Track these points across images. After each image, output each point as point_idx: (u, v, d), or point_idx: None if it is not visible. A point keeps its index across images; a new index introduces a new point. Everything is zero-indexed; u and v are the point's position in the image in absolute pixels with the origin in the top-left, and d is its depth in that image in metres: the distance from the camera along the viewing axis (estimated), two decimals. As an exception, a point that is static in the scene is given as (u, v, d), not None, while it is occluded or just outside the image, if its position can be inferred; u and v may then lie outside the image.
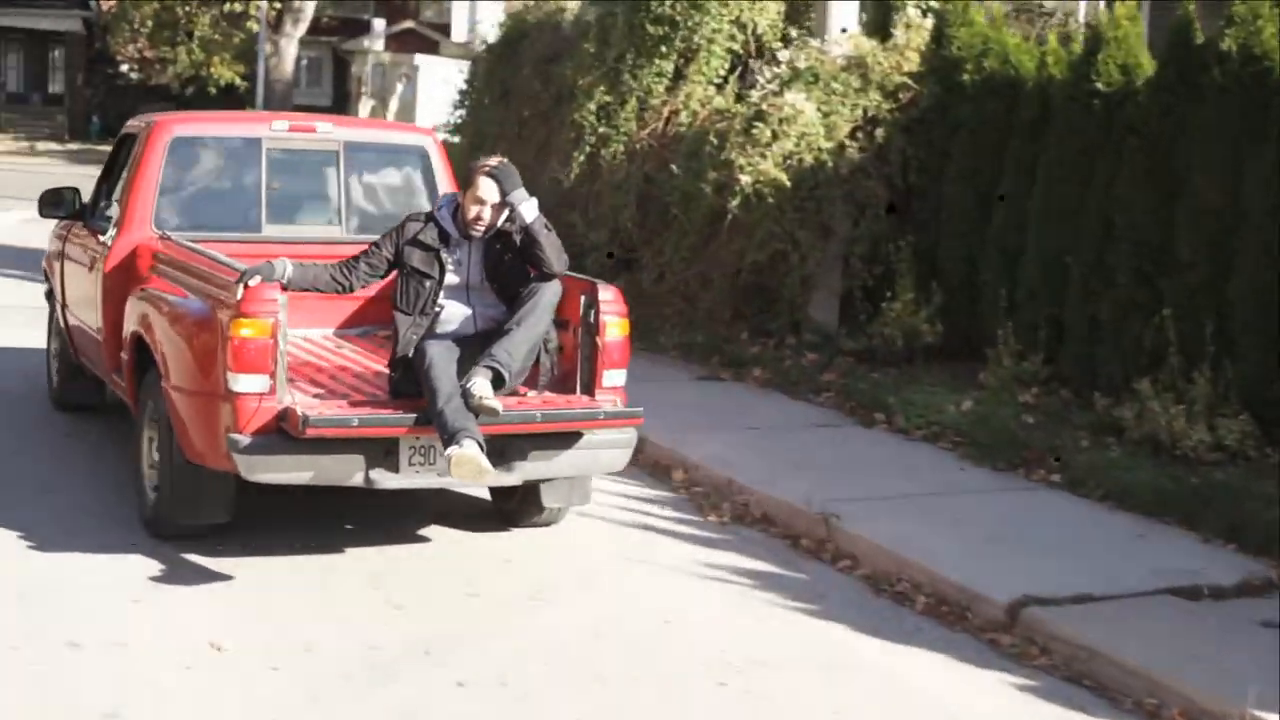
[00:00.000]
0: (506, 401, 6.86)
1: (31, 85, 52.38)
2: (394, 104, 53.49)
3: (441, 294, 7.23)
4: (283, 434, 6.56)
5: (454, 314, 7.28)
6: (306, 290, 7.25)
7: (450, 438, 6.55)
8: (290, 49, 48.40)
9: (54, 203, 9.55)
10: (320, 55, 53.08)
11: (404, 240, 7.29)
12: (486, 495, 8.34)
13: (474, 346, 7.03)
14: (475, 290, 7.28)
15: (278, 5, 46.56)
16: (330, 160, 8.95)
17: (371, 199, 9.09)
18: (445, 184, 8.87)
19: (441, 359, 6.87)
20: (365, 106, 53.78)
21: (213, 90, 49.13)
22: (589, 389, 7.22)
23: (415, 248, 7.26)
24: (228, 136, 9.10)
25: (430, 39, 53.74)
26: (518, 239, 7.16)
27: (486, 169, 7.19)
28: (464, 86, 17.88)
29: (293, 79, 49.82)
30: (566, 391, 7.28)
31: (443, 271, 7.23)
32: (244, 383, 6.58)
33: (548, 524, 8.00)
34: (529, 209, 7.14)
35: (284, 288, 6.81)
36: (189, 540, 7.37)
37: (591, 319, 7.18)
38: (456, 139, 17.66)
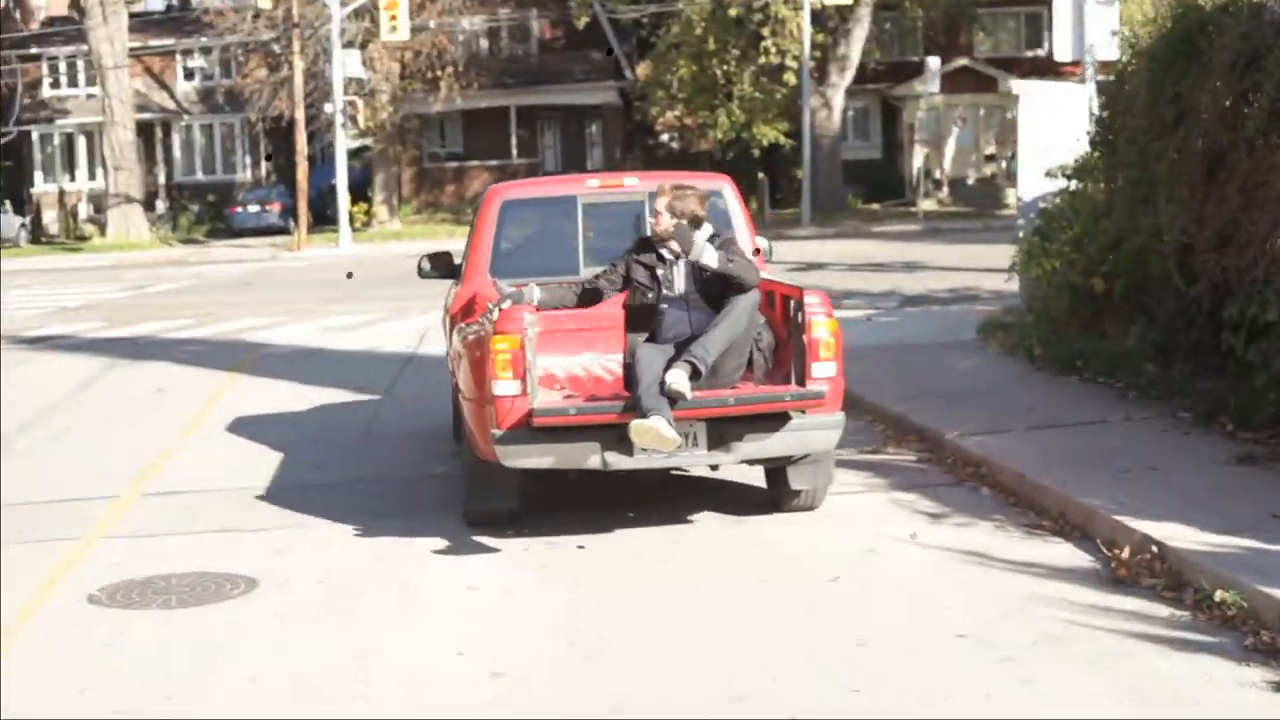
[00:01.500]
0: (716, 391, 8.44)
1: (569, 162, 51.29)
2: (949, 149, 48.41)
3: (662, 304, 9.03)
4: (531, 428, 8.27)
5: (672, 320, 8.97)
6: (555, 307, 9.13)
7: (641, 415, 8.11)
8: (836, 100, 44.65)
9: (432, 265, 11.28)
10: (867, 104, 49.67)
11: (631, 260, 9.25)
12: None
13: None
14: (689, 300, 8.96)
15: (817, 54, 42.05)
16: (637, 209, 10.30)
17: None
18: (740, 221, 10.44)
19: (647, 356, 8.46)
20: (919, 155, 48.88)
21: (756, 152, 45.19)
22: (800, 380, 8.50)
23: (639, 266, 9.20)
24: (549, 197, 10.81)
25: (987, 76, 48.70)
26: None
27: (663, 196, 9.03)
28: (1098, 113, 12.66)
29: (839, 131, 45.23)
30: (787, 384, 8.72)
31: (659, 285, 9.07)
32: (500, 387, 8.27)
33: (807, 508, 9.33)
34: (709, 259, 8.66)
35: (536, 308, 8.71)
36: (493, 527, 9.12)
37: (799, 320, 8.50)
38: (1078, 185, 14.98)
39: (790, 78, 44.70)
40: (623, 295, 9.32)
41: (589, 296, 9.28)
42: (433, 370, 15.57)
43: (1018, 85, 16.42)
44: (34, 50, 55.40)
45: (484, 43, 54.72)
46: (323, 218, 48.68)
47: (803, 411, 8.39)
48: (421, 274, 11.36)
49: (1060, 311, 14.39)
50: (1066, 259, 14.26)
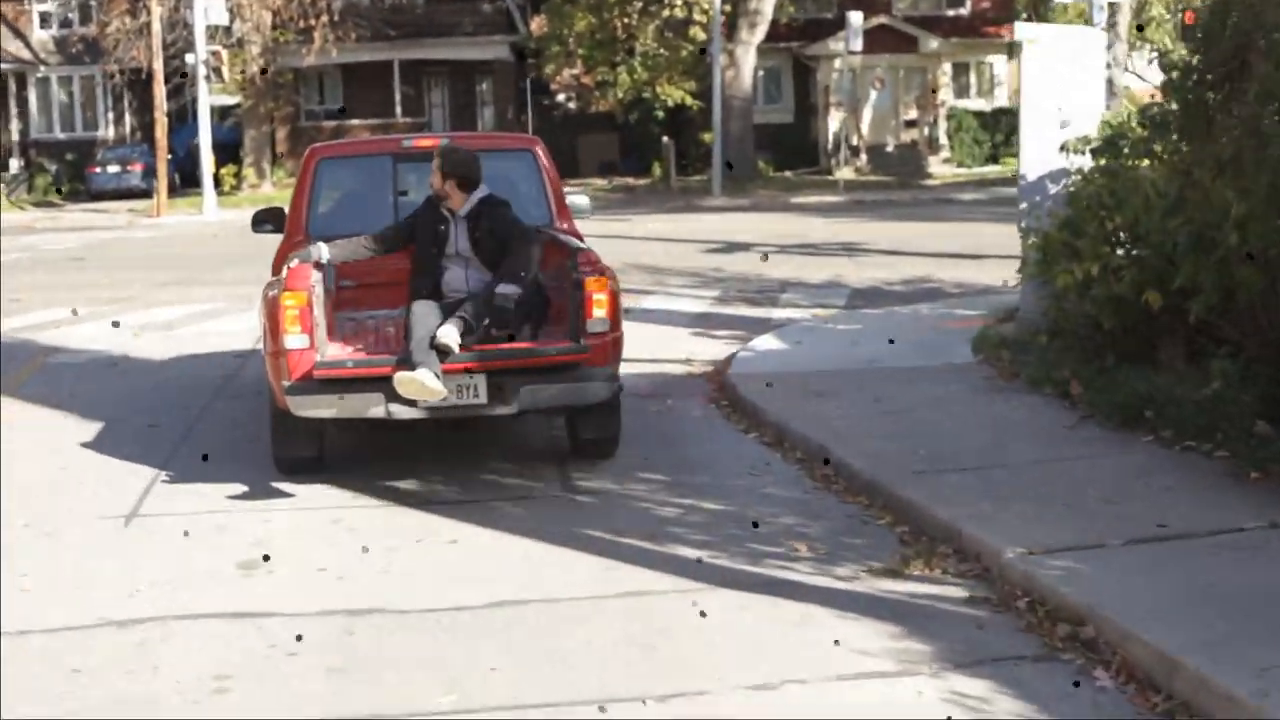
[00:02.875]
0: (493, 346, 8.86)
1: (459, 122, 46.73)
2: (867, 114, 44.69)
3: (443, 260, 9.37)
4: (317, 380, 8.72)
5: (451, 277, 9.35)
6: (345, 261, 9.62)
7: (410, 368, 8.47)
8: (747, 59, 40.84)
9: (265, 218, 11.65)
10: (778, 64, 45.85)
11: (417, 218, 9.59)
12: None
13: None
14: (467, 259, 9.35)
15: (727, 8, 38.12)
16: None
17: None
18: (549, 182, 10.74)
19: (420, 312, 8.81)
20: (835, 120, 45.24)
21: (660, 114, 41.16)
22: (576, 335, 8.92)
23: (425, 224, 9.50)
24: (365, 155, 11.52)
25: (907, 35, 44.99)
26: (485, 220, 9.34)
27: (437, 156, 9.50)
28: (1172, 65, 8.86)
29: (750, 93, 41.39)
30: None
31: (442, 242, 9.35)
32: (289, 341, 8.71)
33: (602, 457, 9.74)
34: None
35: (319, 266, 9.10)
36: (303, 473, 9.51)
37: (575, 278, 8.95)
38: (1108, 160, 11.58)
39: (698, 33, 40.71)
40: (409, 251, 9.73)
41: (376, 245, 9.61)
42: (257, 391, 11.75)
43: (1022, 29, 12.44)
44: None
45: (366, -9, 50.35)
46: (192, 180, 43.90)
47: (577, 365, 8.82)
48: (255, 227, 11.78)
49: (1096, 334, 10.68)
50: (1107, 263, 10.53)
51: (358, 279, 10.11)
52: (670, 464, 9.57)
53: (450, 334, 8.58)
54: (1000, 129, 47.61)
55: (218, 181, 43.60)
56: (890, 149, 47.17)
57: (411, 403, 8.56)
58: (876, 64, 45.28)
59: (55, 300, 19.63)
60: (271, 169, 47.52)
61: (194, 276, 22.81)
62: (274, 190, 45.35)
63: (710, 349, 13.97)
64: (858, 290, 18.03)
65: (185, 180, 45.59)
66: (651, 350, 13.98)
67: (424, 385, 8.38)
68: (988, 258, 20.86)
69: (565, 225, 10.52)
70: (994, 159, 47.27)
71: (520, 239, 9.23)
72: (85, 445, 10.75)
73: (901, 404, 10.47)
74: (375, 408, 8.63)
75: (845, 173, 43.61)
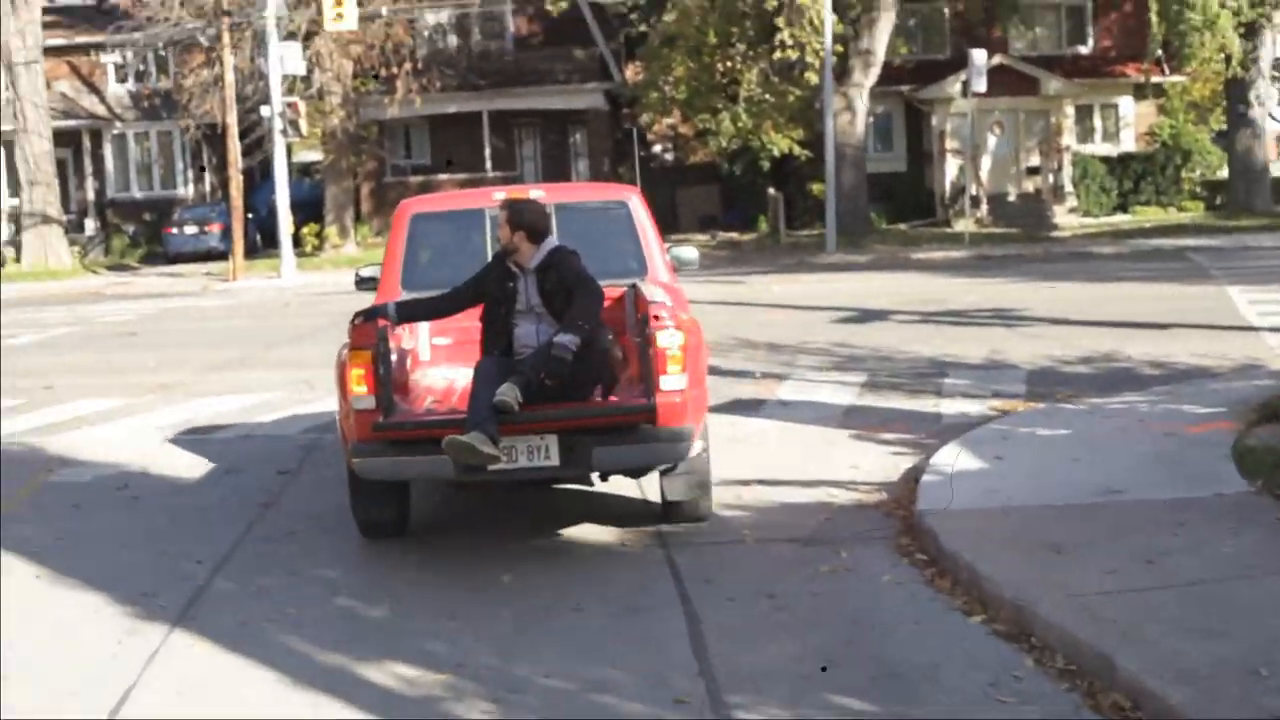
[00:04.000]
0: (563, 405, 8.47)
1: (551, 174, 44.56)
2: (985, 160, 41.61)
3: (514, 316, 9.03)
4: (383, 440, 8.46)
5: (523, 333, 9.00)
6: (415, 319, 9.57)
7: (467, 429, 8.16)
8: (860, 102, 38.20)
9: (369, 278, 11.19)
10: (889, 109, 43.02)
11: (487, 274, 9.23)
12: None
13: None
14: (538, 313, 8.97)
15: (838, 49, 35.22)
16: None
17: (585, 248, 9.53)
18: (649, 234, 10.53)
19: (484, 370, 8.51)
20: (951, 167, 42.22)
21: (764, 163, 38.30)
22: (649, 393, 8.40)
23: (493, 280, 9.14)
24: (458, 210, 11.11)
25: (1027, 76, 42.01)
26: (554, 272, 8.91)
27: (503, 209, 9.20)
28: None
29: (863, 140, 38.57)
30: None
31: (511, 298, 9.01)
32: (354, 400, 8.45)
33: (693, 519, 9.35)
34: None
35: (386, 321, 8.80)
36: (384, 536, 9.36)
37: (646, 333, 8.51)
38: None
39: (810, 76, 37.71)
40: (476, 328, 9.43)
41: (449, 305, 9.39)
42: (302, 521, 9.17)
43: None
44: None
45: (452, 38, 47.64)
46: (274, 240, 40.80)
47: (651, 424, 8.35)
48: (359, 286, 11.38)
49: None
50: None
51: (455, 335, 10.19)
52: (867, 673, 6.52)
53: (509, 392, 8.29)
54: (1129, 175, 44.27)
55: (298, 242, 41.17)
56: (1012, 198, 43.88)
57: (479, 466, 8.25)
58: (994, 107, 42.08)
59: (91, 388, 16.94)
60: (355, 228, 44.92)
61: (256, 355, 20.05)
62: (358, 251, 42.78)
63: (876, 461, 10.97)
64: (1032, 372, 14.90)
65: (267, 240, 43.09)
66: (800, 463, 11.02)
67: (475, 449, 8.13)
68: (1174, 327, 17.72)
69: (664, 280, 10.30)
70: (1123, 208, 43.91)
71: (582, 288, 8.81)
72: (44, 633, 7.92)
73: (1187, 569, 7.31)
74: (442, 470, 8.42)
75: (965, 224, 40.44)
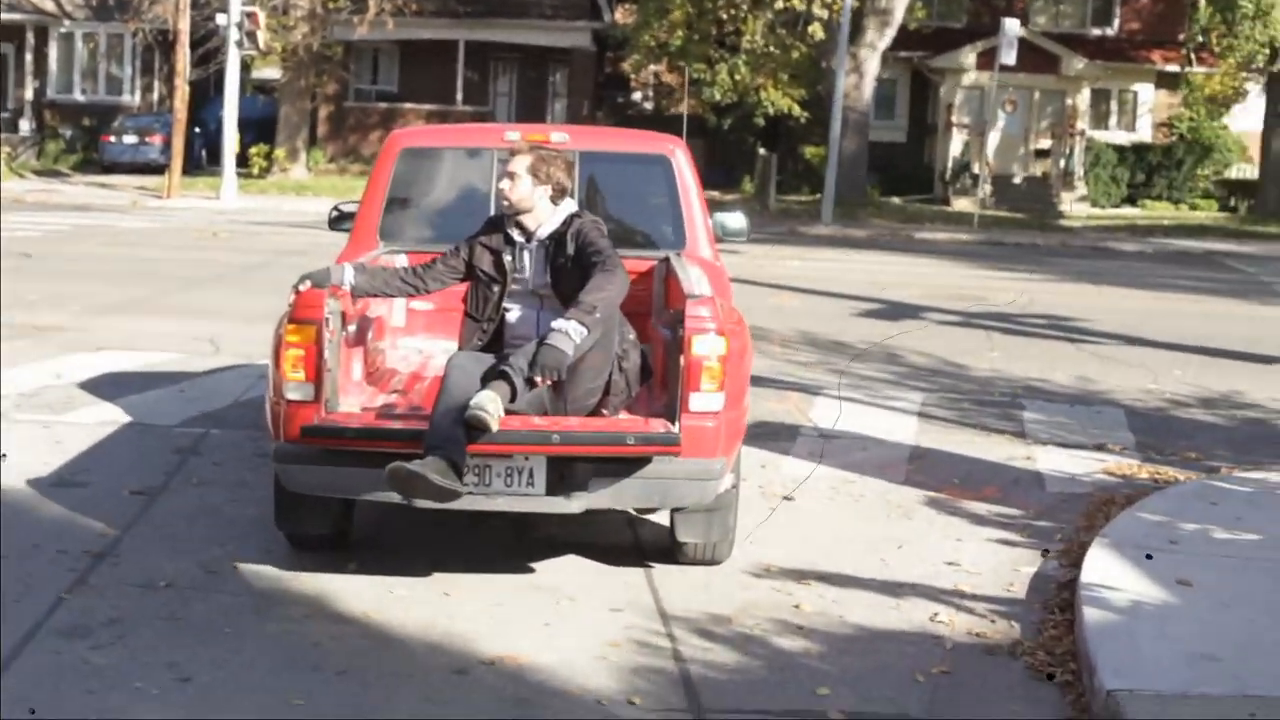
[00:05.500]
0: (555, 420, 6.51)
1: (526, 114, 40.44)
2: (993, 138, 38.27)
3: (506, 299, 7.12)
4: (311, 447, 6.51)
5: (518, 320, 7.15)
6: (375, 295, 7.22)
7: (423, 453, 6.14)
8: (871, 65, 34.89)
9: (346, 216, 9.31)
10: (895, 76, 38.92)
11: (475, 242, 7.21)
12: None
13: None
14: (541, 295, 7.10)
15: (854, 4, 31.77)
16: None
17: (611, 209, 8.45)
18: (694, 197, 8.47)
19: (458, 369, 6.53)
20: (957, 142, 39.07)
21: (760, 121, 34.84)
22: (673, 414, 6.52)
23: (484, 250, 7.18)
24: (460, 148, 8.97)
25: (1048, 54, 38.58)
26: (570, 244, 6.89)
27: (521, 155, 7.09)
28: None
29: (869, 106, 35.15)
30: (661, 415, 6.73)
31: (505, 275, 7.10)
32: (288, 388, 6.48)
33: (708, 562, 7.16)
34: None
35: (340, 290, 6.81)
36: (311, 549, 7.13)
37: (678, 334, 6.57)
38: None
39: (817, 30, 34.13)
40: (464, 287, 7.36)
41: (415, 280, 7.25)
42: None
43: None
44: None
45: (434, -42, 43.91)
46: (220, 158, 37.02)
47: (673, 454, 6.38)
48: (332, 226, 9.32)
49: None
50: None
51: (441, 299, 7.97)
52: None
53: (488, 404, 6.17)
54: (1142, 166, 41.03)
55: (245, 161, 37.54)
56: (1017, 180, 40.48)
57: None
58: (1009, 83, 38.54)
59: (-56, 326, 13.42)
60: (308, 152, 41.20)
61: (162, 297, 16.52)
62: (308, 177, 39.12)
63: (982, 554, 7.51)
64: (1136, 414, 11.51)
65: (212, 158, 39.32)
66: (871, 543, 7.71)
67: (428, 483, 6.06)
68: (1276, 361, 14.45)
69: (706, 256, 8.25)
70: (1131, 200, 40.69)
71: (604, 269, 6.59)
72: None
73: None
74: (386, 491, 6.26)
75: (964, 204, 37.14)
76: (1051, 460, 9.85)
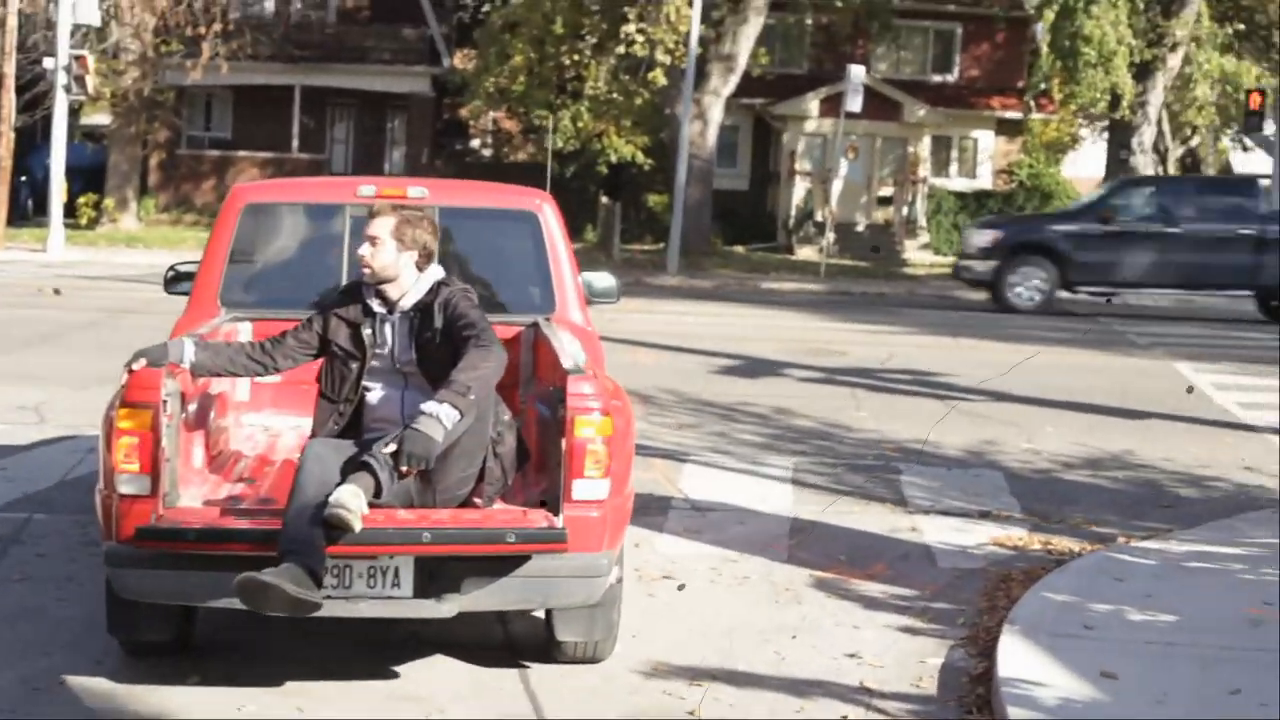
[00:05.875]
0: (423, 514, 5.86)
1: (363, 163, 39.49)
2: (836, 187, 38.18)
3: (366, 377, 6.41)
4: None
5: (379, 401, 6.41)
6: (218, 374, 6.45)
7: (277, 558, 5.49)
8: (715, 112, 34.62)
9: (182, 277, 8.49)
10: (737, 123, 38.28)
11: (330, 314, 6.48)
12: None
13: None
14: (405, 373, 6.40)
15: (698, 50, 31.55)
16: None
17: (474, 270, 7.89)
18: (563, 254, 7.89)
19: (314, 459, 5.82)
20: (799, 190, 38.95)
21: (603, 169, 34.35)
22: (556, 502, 5.93)
23: (341, 322, 6.46)
24: (310, 204, 8.23)
25: (890, 100, 38.64)
26: (438, 316, 6.27)
27: (383, 215, 6.38)
28: None
29: (713, 153, 35.00)
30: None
31: (365, 351, 6.39)
32: (121, 481, 5.75)
33: (589, 660, 6.49)
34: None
35: (179, 369, 6.07)
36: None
37: (559, 414, 5.96)
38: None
39: (658, 77, 33.80)
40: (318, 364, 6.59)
41: (263, 358, 6.47)
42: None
43: None
44: None
45: (269, 3, 42.76)
46: (48, 208, 36.16)
47: (556, 551, 5.81)
48: (168, 288, 8.49)
49: None
50: None
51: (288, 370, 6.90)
52: None
53: (350, 500, 5.49)
54: (983, 213, 41.33)
55: (74, 211, 36.23)
56: (860, 228, 40.49)
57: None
58: (851, 130, 38.53)
59: None
60: (139, 202, 39.91)
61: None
62: (139, 227, 37.89)
63: (881, 643, 6.97)
64: (1017, 478, 11.16)
65: (39, 207, 37.91)
66: (763, 633, 7.10)
67: (283, 595, 5.40)
68: (1150, 417, 14.19)
69: (577, 320, 7.70)
70: (972, 247, 40.96)
71: (476, 341, 5.94)
72: None
73: None
74: (231, 597, 5.58)
75: (808, 252, 37.04)
76: (937, 531, 9.37)
